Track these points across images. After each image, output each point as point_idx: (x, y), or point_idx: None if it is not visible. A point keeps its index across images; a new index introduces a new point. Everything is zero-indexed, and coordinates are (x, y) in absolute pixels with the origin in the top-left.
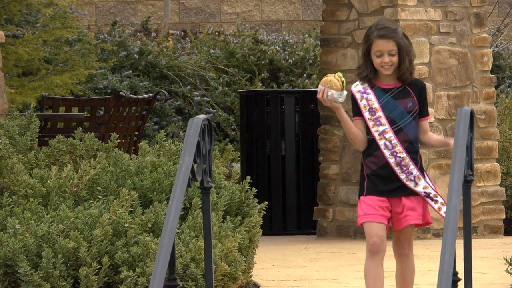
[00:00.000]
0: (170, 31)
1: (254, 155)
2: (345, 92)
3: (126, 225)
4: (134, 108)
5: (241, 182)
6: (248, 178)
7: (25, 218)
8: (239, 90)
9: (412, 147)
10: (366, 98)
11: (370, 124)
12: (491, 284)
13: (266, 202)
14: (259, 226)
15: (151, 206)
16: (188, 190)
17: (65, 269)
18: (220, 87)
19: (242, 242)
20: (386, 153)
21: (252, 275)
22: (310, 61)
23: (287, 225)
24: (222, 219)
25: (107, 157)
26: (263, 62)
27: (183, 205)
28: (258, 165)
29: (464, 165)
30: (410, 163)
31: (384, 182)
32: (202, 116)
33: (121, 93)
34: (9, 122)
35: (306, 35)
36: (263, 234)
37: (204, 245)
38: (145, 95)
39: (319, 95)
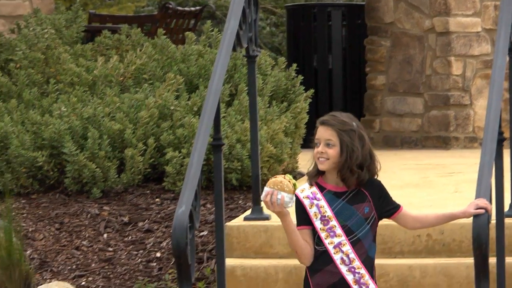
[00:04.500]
0: None
1: (301, 70)
2: (294, 197)
3: (172, 108)
4: (181, 20)
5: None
6: (295, 65)
7: (71, 102)
8: (286, 5)
9: (369, 260)
10: (317, 205)
11: (323, 235)
12: None
13: (312, 90)
14: (305, 112)
15: (197, 91)
16: (235, 77)
17: (110, 150)
18: (268, 28)
19: (288, 126)
20: (343, 269)
21: (298, 162)
22: None
23: None
24: (268, 104)
25: (153, 46)
26: None
27: (229, 91)
28: (305, 79)
29: None
30: (370, 281)
31: None
32: None
33: (168, 4)
34: (56, 15)
35: None
36: (310, 146)
37: (250, 116)
38: (192, 8)
39: (266, 198)
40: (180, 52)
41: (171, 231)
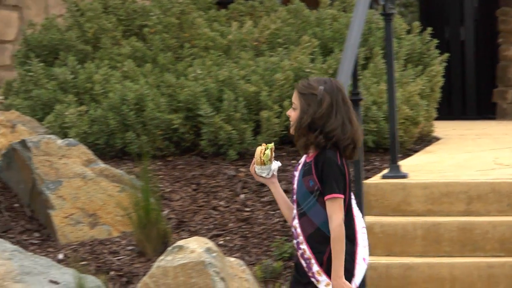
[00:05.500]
0: None
1: None
2: (272, 166)
3: (307, 70)
4: None
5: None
6: (429, 29)
7: (206, 66)
8: None
9: (320, 235)
10: (293, 176)
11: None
12: None
13: (447, 54)
14: (441, 76)
15: (332, 54)
16: (369, 40)
17: (246, 112)
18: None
19: (423, 89)
20: (294, 242)
21: (433, 125)
22: None
23: (466, 110)
24: (403, 68)
25: (287, 11)
26: None
27: (364, 55)
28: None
29: None
30: (311, 256)
31: (297, 275)
32: None
33: None
34: None
35: None
36: (442, 118)
37: (387, 73)
38: None
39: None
40: (315, 16)
41: None
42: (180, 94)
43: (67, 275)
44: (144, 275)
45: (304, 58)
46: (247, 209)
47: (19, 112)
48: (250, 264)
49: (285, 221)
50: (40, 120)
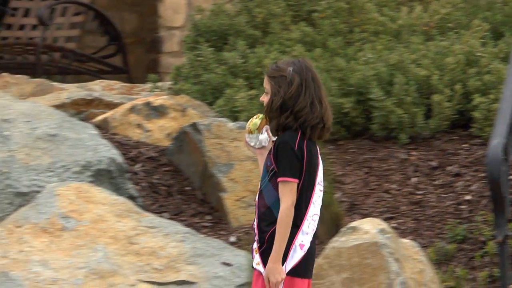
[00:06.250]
0: None
1: None
2: (261, 136)
3: (478, 54)
4: None
5: None
6: None
7: (376, 50)
8: None
9: (268, 215)
10: None
11: None
12: None
13: None
14: None
15: (503, 38)
16: None
17: (417, 96)
18: None
19: None
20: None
21: None
22: None
23: None
24: None
25: None
26: None
27: None
28: None
29: None
30: (256, 233)
31: None
32: None
33: None
34: None
35: None
36: None
37: None
38: None
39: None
40: (485, 0)
41: (480, 174)
42: (351, 78)
43: (239, 257)
44: (316, 257)
45: (475, 42)
46: (419, 192)
47: (189, 97)
48: (423, 247)
49: (458, 203)
50: (210, 104)
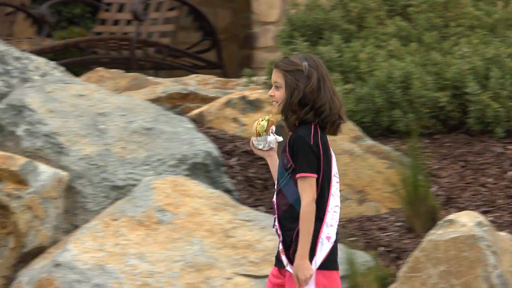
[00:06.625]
0: None
1: None
2: (269, 138)
3: None
4: None
5: None
6: None
7: (472, 44)
8: None
9: (291, 213)
10: None
11: None
12: None
13: None
14: None
15: None
16: None
17: None
18: None
19: None
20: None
21: None
22: None
23: None
24: None
25: None
26: None
27: None
28: None
29: None
30: (280, 233)
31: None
32: None
33: None
34: None
35: None
36: None
37: None
38: None
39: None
40: None
41: None
42: (447, 72)
43: None
44: (412, 251)
45: None
46: None
47: None
48: None
49: None
50: None
